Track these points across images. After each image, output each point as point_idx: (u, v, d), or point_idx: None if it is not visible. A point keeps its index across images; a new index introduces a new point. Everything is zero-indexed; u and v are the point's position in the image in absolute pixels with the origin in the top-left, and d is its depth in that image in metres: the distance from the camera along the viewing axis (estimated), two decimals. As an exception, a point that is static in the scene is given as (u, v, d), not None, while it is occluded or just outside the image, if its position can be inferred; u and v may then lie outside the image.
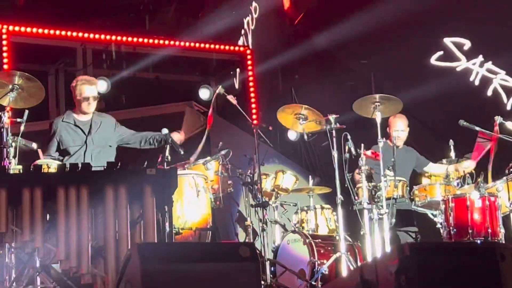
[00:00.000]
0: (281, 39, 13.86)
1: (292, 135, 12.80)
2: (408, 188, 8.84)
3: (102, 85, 11.84)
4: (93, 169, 6.32)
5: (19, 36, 11.77)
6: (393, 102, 8.65)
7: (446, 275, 3.37)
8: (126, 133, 8.41)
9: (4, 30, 11.57)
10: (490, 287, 3.38)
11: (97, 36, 12.38)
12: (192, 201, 8.16)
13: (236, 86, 13.75)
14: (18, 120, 7.45)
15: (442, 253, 3.46)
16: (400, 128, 9.27)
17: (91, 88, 8.23)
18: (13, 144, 7.24)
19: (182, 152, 8.37)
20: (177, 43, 12.84)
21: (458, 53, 12.15)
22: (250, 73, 13.15)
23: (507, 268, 3.39)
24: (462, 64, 12.10)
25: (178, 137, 8.27)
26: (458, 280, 3.38)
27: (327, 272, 8.25)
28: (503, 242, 8.10)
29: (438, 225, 8.48)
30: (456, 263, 3.43)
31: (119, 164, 6.39)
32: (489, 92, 11.90)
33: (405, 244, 3.35)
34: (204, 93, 12.56)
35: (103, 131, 8.25)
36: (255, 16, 14.56)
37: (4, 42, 11.49)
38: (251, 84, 13.03)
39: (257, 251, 6.21)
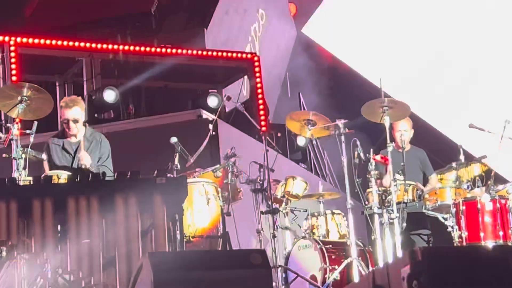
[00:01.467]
0: (289, 46, 13.88)
1: (301, 141, 12.81)
2: (418, 191, 8.80)
3: (110, 95, 11.87)
4: (103, 178, 6.33)
5: (27, 47, 11.80)
6: (401, 106, 8.62)
7: (458, 280, 3.36)
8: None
9: (12, 42, 11.60)
10: (503, 292, 3.37)
11: (104, 46, 12.40)
12: (203, 209, 8.17)
13: (244, 93, 13.76)
14: (27, 131, 7.46)
15: (454, 257, 3.44)
16: (403, 128, 9.18)
17: (69, 112, 8.07)
18: (23, 155, 7.26)
19: (192, 161, 8.39)
20: (184, 51, 12.85)
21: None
22: (257, 80, 13.15)
23: (521, 272, 3.38)
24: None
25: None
26: (470, 285, 3.36)
27: (338, 278, 8.23)
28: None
29: (449, 229, 8.45)
30: (469, 267, 3.41)
31: (129, 174, 6.40)
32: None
33: (417, 249, 3.33)
34: (212, 101, 12.57)
35: (91, 152, 8.15)
36: (262, 23, 14.59)
37: (12, 54, 11.52)
38: (259, 91, 13.03)
39: (268, 257, 6.22)
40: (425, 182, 9.27)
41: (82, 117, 8.21)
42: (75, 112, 8.10)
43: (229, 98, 9.11)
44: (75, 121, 8.11)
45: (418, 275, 3.25)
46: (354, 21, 12.74)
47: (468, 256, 3.47)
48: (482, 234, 8.09)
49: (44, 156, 7.76)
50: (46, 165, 7.93)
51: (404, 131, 9.15)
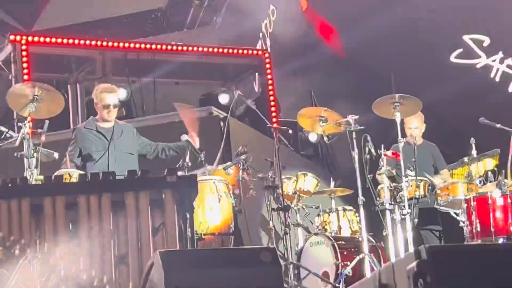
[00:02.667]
0: (300, 41, 13.85)
1: (313, 137, 12.81)
2: (430, 186, 8.79)
3: (122, 93, 11.90)
4: (114, 177, 6.35)
5: (38, 46, 11.84)
6: (413, 101, 8.61)
7: (464, 278, 3.36)
8: (145, 144, 8.45)
9: (23, 41, 11.63)
10: (509, 290, 3.36)
11: (115, 44, 12.43)
12: (214, 207, 8.19)
13: (256, 89, 13.76)
14: (39, 130, 7.50)
15: (460, 256, 3.44)
16: (413, 125, 9.19)
17: (111, 96, 8.31)
18: (35, 154, 7.29)
19: (202, 158, 8.40)
20: (195, 48, 12.86)
21: (478, 50, 12.10)
22: (269, 76, 13.15)
23: (527, 270, 3.37)
24: (482, 61, 12.05)
25: (195, 140, 8.28)
26: (476, 283, 3.36)
27: (351, 274, 8.24)
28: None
29: (461, 224, 8.44)
30: (475, 266, 3.41)
31: (140, 172, 6.42)
32: (510, 89, 11.84)
33: (422, 248, 3.33)
34: (223, 98, 12.58)
35: (124, 138, 8.32)
36: (272, 19, 14.57)
37: (24, 53, 11.56)
38: (270, 87, 13.02)
39: (279, 255, 6.22)
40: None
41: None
42: (115, 97, 8.31)
43: (240, 95, 9.12)
44: (115, 106, 8.29)
45: (423, 274, 3.25)
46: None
47: (475, 254, 3.47)
48: (493, 230, 8.07)
49: (56, 155, 7.80)
50: (68, 160, 8.00)
51: (415, 128, 9.16)
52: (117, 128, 8.35)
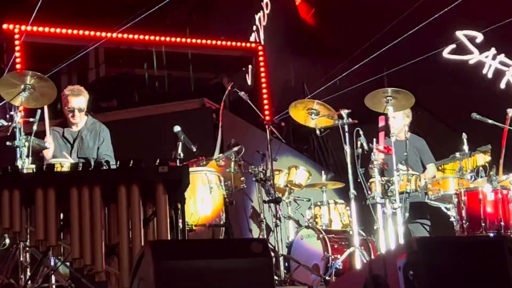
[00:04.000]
0: (293, 34, 13.86)
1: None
2: (420, 180, 8.80)
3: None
4: (105, 167, 6.34)
5: (31, 36, 11.82)
6: (405, 95, 8.61)
7: (454, 269, 3.37)
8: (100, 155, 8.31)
9: (16, 30, 11.61)
10: (498, 282, 3.37)
11: (109, 34, 12.42)
12: (205, 198, 8.18)
13: (249, 82, 13.76)
14: (31, 119, 7.48)
15: (450, 247, 3.45)
16: (397, 119, 9.10)
17: (76, 100, 8.19)
18: (26, 143, 7.28)
19: (194, 149, 8.40)
20: (189, 40, 12.85)
21: (471, 46, 12.12)
22: (262, 69, 13.15)
23: (515, 262, 3.39)
24: (474, 57, 12.07)
25: None
26: (466, 274, 3.38)
27: (341, 267, 8.26)
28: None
29: (452, 219, 8.46)
30: (464, 257, 3.42)
31: (132, 162, 6.41)
32: (502, 85, 11.87)
33: (412, 239, 3.35)
34: (216, 90, 12.59)
35: (87, 144, 8.21)
36: (266, 12, 14.57)
37: (17, 42, 11.54)
38: (263, 80, 13.02)
39: (270, 247, 6.23)
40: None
41: (85, 107, 8.26)
42: (81, 101, 8.18)
43: (233, 87, 9.11)
44: (80, 110, 8.17)
45: (414, 265, 3.26)
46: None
47: (464, 246, 3.48)
48: (483, 224, 8.10)
49: (47, 144, 7.78)
50: (46, 152, 7.94)
51: (393, 118, 9.03)
52: (83, 132, 8.24)
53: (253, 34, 14.76)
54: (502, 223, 8.06)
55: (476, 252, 3.44)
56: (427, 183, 8.80)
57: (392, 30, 12.04)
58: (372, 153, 8.43)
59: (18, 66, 11.27)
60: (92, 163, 6.49)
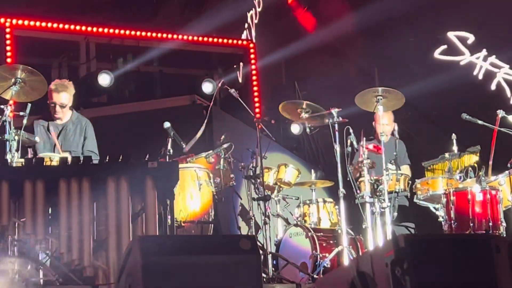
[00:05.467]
0: (285, 33, 13.85)
1: (295, 129, 12.79)
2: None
3: (105, 79, 11.86)
4: (95, 162, 6.34)
5: (22, 29, 11.78)
6: (395, 95, 8.63)
7: (440, 266, 3.39)
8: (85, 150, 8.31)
9: (7, 24, 11.58)
10: (484, 279, 3.39)
11: (100, 29, 12.39)
12: (194, 194, 8.18)
13: (240, 80, 13.75)
14: (21, 113, 7.46)
15: (437, 245, 3.47)
16: (384, 122, 9.18)
17: (57, 96, 8.14)
18: (16, 137, 7.26)
19: (184, 146, 8.39)
20: (180, 36, 12.84)
21: (462, 47, 12.15)
22: (253, 67, 13.16)
23: (502, 260, 3.40)
24: (465, 58, 12.10)
25: None
26: (452, 271, 3.40)
27: (329, 265, 8.26)
28: (504, 235, 8.10)
29: (440, 219, 8.48)
30: (451, 255, 3.45)
31: (121, 157, 6.41)
32: (493, 86, 11.90)
33: (399, 236, 3.36)
34: (207, 87, 12.56)
35: (71, 137, 8.18)
36: (258, 10, 14.55)
37: (8, 36, 11.50)
38: (254, 78, 13.03)
39: (258, 244, 6.23)
40: (419, 175, 9.28)
41: (70, 102, 8.24)
42: (62, 97, 8.14)
43: (223, 84, 9.10)
44: (62, 106, 8.15)
45: (401, 262, 3.28)
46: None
47: (451, 244, 3.50)
48: (472, 225, 8.11)
49: (37, 138, 7.76)
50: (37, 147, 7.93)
51: (386, 125, 9.12)
52: (68, 126, 8.22)
53: (244, 32, 14.75)
54: (491, 223, 8.08)
55: (463, 250, 3.46)
56: (416, 183, 8.83)
57: (382, 30, 12.06)
58: (362, 152, 8.46)
59: (8, 60, 11.23)
60: (77, 157, 6.46)
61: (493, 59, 11.97)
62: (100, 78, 11.85)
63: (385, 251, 3.35)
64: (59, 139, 8.13)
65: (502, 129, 8.85)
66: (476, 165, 8.93)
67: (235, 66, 13.77)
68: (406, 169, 9.34)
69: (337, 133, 8.37)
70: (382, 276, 3.32)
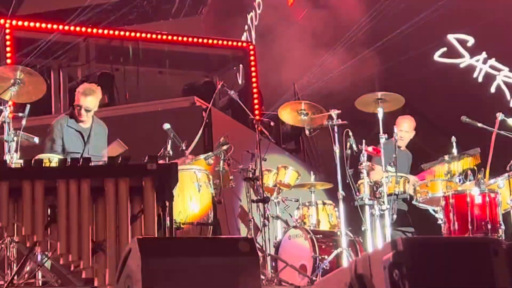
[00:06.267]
0: (285, 34, 13.86)
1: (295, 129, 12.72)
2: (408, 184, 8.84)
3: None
4: (93, 163, 6.33)
5: (22, 30, 11.79)
6: (395, 98, 8.65)
7: (439, 270, 3.38)
8: None
9: (7, 25, 11.58)
10: (483, 282, 3.39)
11: (100, 31, 12.39)
12: (194, 196, 8.18)
13: (239, 81, 13.76)
14: (20, 114, 7.46)
15: (435, 247, 3.47)
16: (404, 129, 9.27)
17: (84, 100, 8.14)
18: (15, 138, 7.26)
19: (184, 147, 8.39)
20: (180, 38, 12.84)
21: (462, 50, 12.15)
22: (252, 68, 13.17)
23: (500, 263, 3.40)
24: (465, 60, 12.10)
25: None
26: (451, 275, 3.39)
27: (328, 268, 8.26)
28: (503, 238, 8.10)
29: (439, 221, 8.48)
30: (450, 258, 3.44)
31: (120, 159, 6.40)
32: (493, 89, 11.90)
33: (398, 239, 3.36)
34: (206, 88, 12.57)
35: (98, 140, 8.23)
36: (258, 11, 14.58)
37: (8, 37, 11.51)
38: (253, 80, 13.04)
39: (257, 246, 6.22)
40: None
41: (96, 107, 8.26)
42: (90, 101, 8.16)
43: (223, 86, 9.11)
44: (87, 110, 8.16)
45: (399, 265, 3.27)
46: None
47: (450, 246, 3.49)
48: (470, 227, 8.11)
49: (36, 140, 7.75)
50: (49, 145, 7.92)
51: (406, 132, 9.22)
52: (94, 129, 8.26)
53: (244, 34, 14.77)
54: (490, 226, 8.08)
55: (461, 253, 3.46)
56: (415, 185, 8.83)
57: (384, 32, 12.06)
58: (361, 155, 8.46)
59: (8, 61, 11.24)
60: (76, 159, 6.47)
61: (492, 61, 11.97)
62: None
63: (383, 253, 3.35)
64: (87, 144, 8.14)
65: (501, 132, 8.84)
66: (475, 168, 8.93)
67: (234, 68, 13.78)
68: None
69: (336, 135, 8.38)
70: (380, 279, 3.32)
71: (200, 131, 8.72)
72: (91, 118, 8.30)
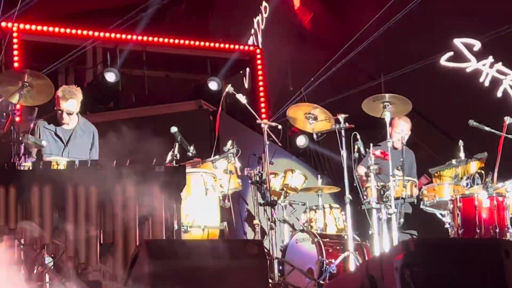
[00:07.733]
0: (291, 39, 13.87)
1: (301, 141, 12.73)
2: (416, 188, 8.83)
3: (110, 76, 11.89)
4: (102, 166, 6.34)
5: (30, 34, 11.81)
6: (403, 102, 8.64)
7: (450, 271, 3.38)
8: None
9: (15, 29, 11.61)
10: (494, 283, 3.39)
11: (107, 34, 12.41)
12: (201, 199, 8.18)
13: (246, 85, 13.77)
14: (28, 117, 7.46)
15: (446, 249, 3.47)
16: (403, 130, 9.18)
17: (64, 103, 7.97)
18: (23, 141, 7.26)
19: (191, 151, 8.39)
20: (187, 42, 12.86)
21: (468, 54, 12.14)
22: (259, 72, 13.17)
23: (511, 264, 3.40)
24: (472, 65, 12.09)
25: None
26: (462, 276, 3.39)
27: (335, 271, 8.25)
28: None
29: (447, 225, 8.47)
30: (461, 259, 3.44)
31: (128, 162, 6.41)
32: (499, 93, 11.89)
33: (409, 240, 3.36)
34: (212, 85, 12.58)
35: (81, 142, 8.12)
36: (265, 16, 14.58)
37: (15, 41, 11.54)
38: (260, 83, 13.04)
39: (265, 249, 6.22)
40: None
41: (77, 109, 8.12)
42: (70, 104, 7.99)
43: (230, 89, 9.12)
44: (69, 113, 8.06)
45: (410, 266, 3.28)
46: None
47: (461, 248, 3.50)
48: (478, 231, 8.10)
49: (44, 143, 7.75)
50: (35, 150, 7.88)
51: (405, 134, 9.15)
52: (77, 131, 8.14)
53: (251, 38, 14.77)
54: (497, 230, 8.07)
55: (472, 254, 3.46)
56: (423, 189, 8.83)
57: (390, 35, 12.05)
58: (368, 158, 8.46)
59: (16, 64, 11.26)
60: (85, 161, 6.48)
61: (499, 66, 11.95)
62: (106, 75, 11.89)
63: (395, 254, 3.35)
64: (68, 145, 8.08)
65: (509, 136, 8.83)
66: (483, 171, 8.92)
67: (241, 72, 13.79)
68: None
69: (343, 139, 8.38)
70: (392, 279, 3.32)
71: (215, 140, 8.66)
72: (76, 119, 8.18)
